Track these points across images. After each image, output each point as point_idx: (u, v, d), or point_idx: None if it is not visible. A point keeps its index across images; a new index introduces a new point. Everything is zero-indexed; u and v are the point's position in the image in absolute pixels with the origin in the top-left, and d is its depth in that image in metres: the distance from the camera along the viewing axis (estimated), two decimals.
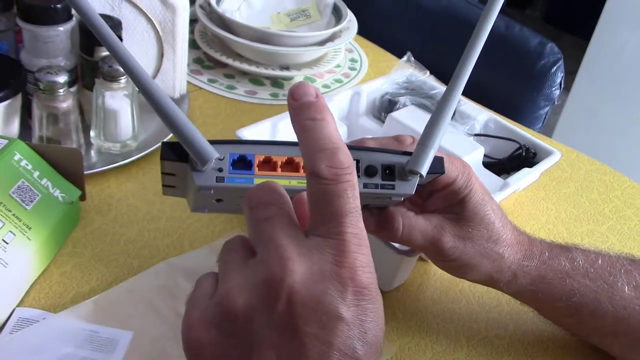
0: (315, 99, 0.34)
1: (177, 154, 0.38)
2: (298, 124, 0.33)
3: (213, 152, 0.37)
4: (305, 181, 0.34)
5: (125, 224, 0.61)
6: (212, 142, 0.38)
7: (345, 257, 0.31)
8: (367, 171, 0.41)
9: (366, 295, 0.31)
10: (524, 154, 0.72)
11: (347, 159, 0.32)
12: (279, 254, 0.31)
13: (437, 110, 0.41)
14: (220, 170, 0.39)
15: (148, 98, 0.36)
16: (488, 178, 0.68)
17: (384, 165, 0.42)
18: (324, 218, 0.32)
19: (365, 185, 0.41)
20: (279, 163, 0.40)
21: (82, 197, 0.60)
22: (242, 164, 0.39)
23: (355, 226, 0.32)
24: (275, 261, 0.31)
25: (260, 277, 0.31)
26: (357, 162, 0.41)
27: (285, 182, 0.40)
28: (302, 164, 0.40)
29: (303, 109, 0.33)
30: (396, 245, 0.54)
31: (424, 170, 0.41)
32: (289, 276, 0.30)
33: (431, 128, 0.41)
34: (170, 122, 0.36)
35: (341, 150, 0.32)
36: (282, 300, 0.30)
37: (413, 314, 0.57)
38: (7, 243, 0.51)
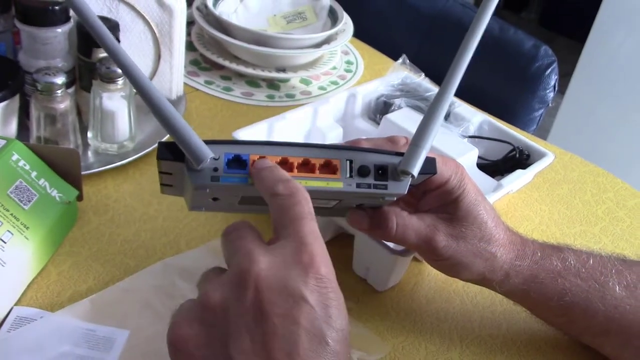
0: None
1: (174, 154, 0.39)
2: (256, 173, 0.40)
3: (208, 152, 0.38)
4: (298, 180, 0.39)
5: (122, 224, 0.62)
6: (208, 142, 0.39)
7: (304, 248, 0.35)
8: (360, 171, 0.42)
9: (326, 283, 0.34)
10: (517, 155, 0.72)
11: (300, 185, 0.38)
12: (245, 252, 0.35)
13: (429, 111, 0.42)
14: (215, 169, 0.39)
15: (145, 98, 0.37)
16: (482, 179, 0.69)
17: (376, 165, 0.42)
18: (284, 225, 0.36)
19: (358, 185, 0.42)
20: (273, 163, 0.41)
21: (80, 197, 0.60)
22: (237, 163, 0.40)
23: (311, 226, 0.36)
24: (243, 258, 0.35)
25: (231, 274, 0.35)
26: (350, 162, 0.42)
27: None
28: (296, 163, 0.41)
29: (259, 167, 0.40)
30: (390, 245, 0.54)
31: (416, 170, 0.41)
32: (255, 265, 0.34)
33: (423, 129, 0.41)
34: (166, 122, 0.37)
35: (294, 180, 0.39)
36: (251, 287, 0.33)
37: (407, 314, 0.58)
38: (5, 242, 0.51)
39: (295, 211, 0.36)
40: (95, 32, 0.37)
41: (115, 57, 0.37)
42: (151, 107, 0.37)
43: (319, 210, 0.49)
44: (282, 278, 0.34)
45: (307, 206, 0.37)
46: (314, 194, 0.43)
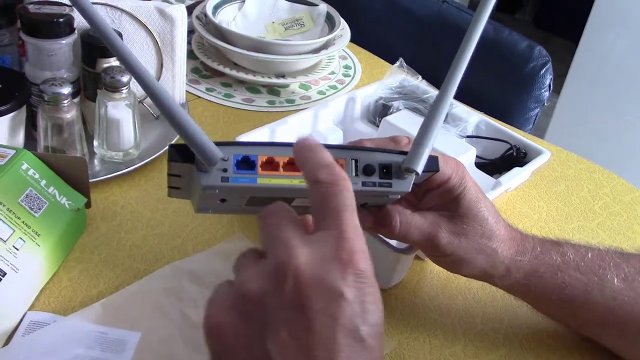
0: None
1: (184, 156, 0.40)
2: (298, 153, 0.39)
3: (218, 153, 0.39)
4: None
5: (130, 229, 0.63)
6: (217, 144, 0.40)
7: (344, 242, 0.34)
8: (365, 170, 0.43)
9: (365, 278, 0.34)
10: (514, 154, 0.74)
11: (342, 170, 0.37)
12: (284, 244, 0.35)
13: (430, 111, 0.43)
14: (224, 170, 0.40)
15: (156, 101, 0.38)
16: (481, 178, 0.70)
17: (381, 164, 0.44)
18: (325, 215, 0.36)
19: (363, 184, 0.43)
20: (281, 163, 0.42)
21: (88, 205, 0.62)
22: (246, 164, 0.41)
23: (352, 219, 0.36)
24: (282, 249, 0.34)
25: (269, 265, 0.35)
26: (356, 161, 0.43)
27: (287, 181, 0.42)
28: None
29: (302, 145, 0.39)
30: (393, 243, 0.56)
31: (420, 168, 0.43)
32: (294, 259, 0.34)
33: (425, 128, 0.43)
34: (177, 124, 0.38)
35: (337, 166, 0.37)
36: (289, 281, 0.33)
37: (411, 311, 0.59)
38: (18, 249, 0.53)
39: (336, 202, 0.36)
40: (108, 40, 0.38)
41: (127, 63, 0.38)
42: (162, 109, 0.38)
43: None
44: (321, 273, 0.33)
45: (348, 196, 0.36)
46: None
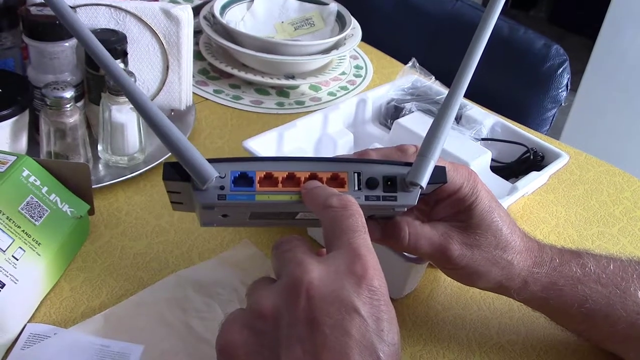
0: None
1: (179, 173, 0.39)
2: (307, 193, 0.40)
3: (212, 172, 0.38)
4: None
5: (134, 237, 0.62)
6: (213, 161, 0.39)
7: (358, 259, 0.35)
8: (368, 183, 0.41)
9: (379, 296, 0.34)
10: (532, 157, 0.71)
11: (353, 198, 0.38)
12: (298, 262, 0.35)
13: (436, 119, 0.41)
14: (222, 188, 0.39)
15: (146, 119, 0.37)
16: (496, 182, 0.68)
17: (385, 177, 0.42)
18: (337, 236, 0.36)
19: (367, 198, 0.41)
20: (280, 178, 0.40)
21: (91, 212, 0.60)
22: (244, 180, 0.40)
23: (365, 239, 0.36)
24: (295, 267, 0.35)
25: (283, 283, 0.35)
26: (358, 174, 0.41)
27: (286, 197, 0.40)
28: (303, 178, 0.41)
29: (309, 185, 0.41)
30: (405, 252, 0.54)
31: (424, 181, 0.41)
32: (308, 274, 0.34)
33: (431, 138, 0.41)
34: (168, 142, 0.37)
35: (348, 195, 0.39)
36: (303, 296, 0.33)
37: (424, 322, 0.57)
38: (17, 259, 0.51)
39: (348, 223, 0.36)
40: (95, 55, 0.37)
41: (115, 77, 0.37)
42: (153, 127, 0.37)
43: None
44: (335, 288, 0.33)
45: (360, 219, 0.37)
46: None
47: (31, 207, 0.54)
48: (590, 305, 0.49)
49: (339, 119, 0.74)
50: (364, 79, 0.96)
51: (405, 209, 0.45)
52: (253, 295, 0.36)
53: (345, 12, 0.95)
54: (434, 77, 0.81)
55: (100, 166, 0.69)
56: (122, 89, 0.37)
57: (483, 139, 0.73)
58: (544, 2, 3.25)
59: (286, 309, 0.33)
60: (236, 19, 0.94)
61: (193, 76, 0.79)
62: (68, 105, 0.62)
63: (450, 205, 0.47)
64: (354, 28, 0.94)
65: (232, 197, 0.39)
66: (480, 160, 0.68)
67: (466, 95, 0.43)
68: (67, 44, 0.64)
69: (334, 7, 0.96)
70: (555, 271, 0.49)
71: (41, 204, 0.55)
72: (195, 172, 0.38)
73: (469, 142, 0.71)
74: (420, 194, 0.42)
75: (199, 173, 0.38)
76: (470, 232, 0.47)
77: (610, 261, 0.50)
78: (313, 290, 0.33)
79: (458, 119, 0.76)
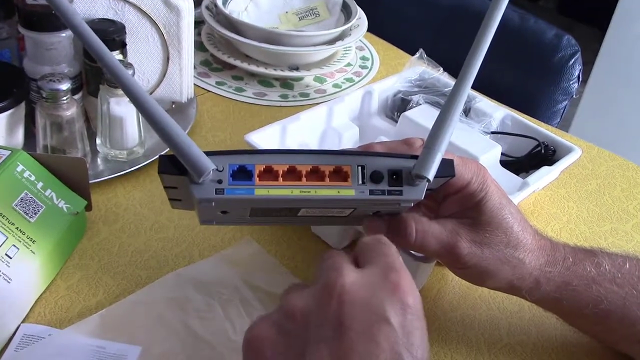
0: None
1: (176, 167, 0.37)
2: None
3: (209, 164, 0.36)
4: (307, 190, 0.38)
5: (133, 233, 0.60)
6: (210, 154, 0.37)
7: (393, 272, 0.35)
8: (373, 177, 0.39)
9: (412, 309, 0.33)
10: (543, 151, 0.69)
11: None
12: (335, 268, 0.35)
13: (443, 111, 0.39)
14: (219, 182, 0.37)
15: (141, 110, 0.35)
16: (506, 177, 0.66)
17: (390, 170, 0.40)
18: (374, 254, 0.37)
19: (371, 192, 0.39)
20: (280, 172, 0.38)
21: (88, 207, 0.58)
22: (242, 174, 0.38)
23: (401, 261, 0.36)
24: (332, 271, 0.35)
25: (317, 285, 0.35)
26: (362, 168, 0.39)
27: (287, 191, 0.38)
28: (304, 171, 0.39)
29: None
30: (412, 250, 0.52)
31: (431, 174, 0.39)
32: (342, 278, 0.34)
33: (437, 129, 0.39)
34: (163, 134, 0.36)
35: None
36: (334, 298, 0.33)
37: (431, 321, 0.55)
38: (11, 258, 0.49)
39: (385, 249, 0.37)
40: (89, 45, 0.35)
41: (110, 69, 0.35)
42: (145, 116, 0.35)
43: (333, 220, 0.46)
44: (367, 295, 0.33)
45: (396, 253, 0.38)
46: (326, 203, 0.41)
47: (25, 203, 0.53)
48: (605, 306, 0.47)
49: (344, 112, 0.72)
50: (370, 70, 0.94)
51: (412, 204, 0.43)
52: (286, 297, 0.36)
53: (351, 2, 0.93)
54: (442, 69, 0.79)
55: (99, 160, 0.67)
56: (113, 77, 0.35)
57: (493, 133, 0.71)
58: None
59: (316, 309, 0.34)
60: (239, 9, 0.92)
61: (195, 68, 0.77)
62: (64, 98, 0.60)
63: (458, 201, 0.45)
64: (360, 18, 0.92)
65: (230, 191, 0.37)
66: (489, 155, 0.66)
67: (475, 87, 0.41)
68: (63, 35, 0.63)
69: None
70: (569, 270, 0.47)
71: (36, 200, 0.54)
72: (191, 164, 0.36)
73: (478, 136, 0.69)
74: (427, 189, 0.40)
75: (195, 165, 0.36)
76: (480, 229, 0.45)
77: (626, 260, 0.48)
78: (345, 295, 0.33)
79: (467, 112, 0.74)
